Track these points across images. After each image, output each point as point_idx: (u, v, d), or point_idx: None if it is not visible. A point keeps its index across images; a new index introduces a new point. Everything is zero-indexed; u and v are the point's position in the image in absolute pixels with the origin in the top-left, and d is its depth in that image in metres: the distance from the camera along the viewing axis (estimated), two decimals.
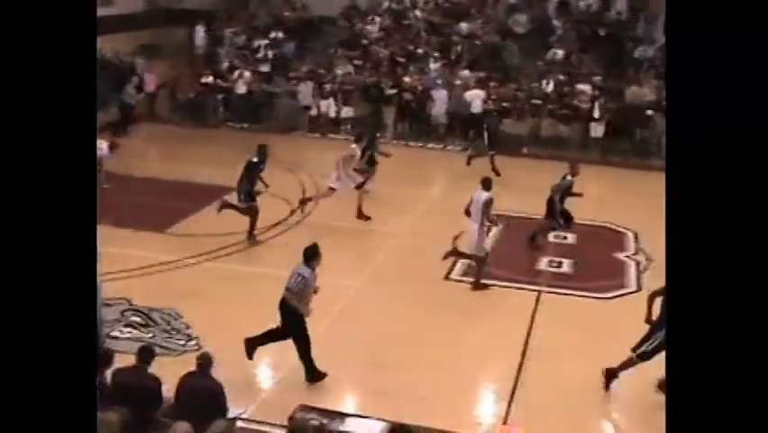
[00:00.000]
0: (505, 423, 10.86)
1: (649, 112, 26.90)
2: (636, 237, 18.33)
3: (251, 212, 16.68)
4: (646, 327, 13.89)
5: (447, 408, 11.08)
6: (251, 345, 11.69)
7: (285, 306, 11.39)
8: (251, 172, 16.73)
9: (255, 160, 16.81)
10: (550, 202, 17.06)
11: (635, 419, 11.47)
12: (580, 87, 27.78)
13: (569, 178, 17.04)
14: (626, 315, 14.58)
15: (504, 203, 19.34)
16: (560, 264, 16.69)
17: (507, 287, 15.40)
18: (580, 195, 17.16)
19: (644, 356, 11.46)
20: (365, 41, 31.16)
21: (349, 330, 12.86)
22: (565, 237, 18.09)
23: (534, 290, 15.19)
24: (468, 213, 15.27)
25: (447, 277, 15.68)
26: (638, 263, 16.98)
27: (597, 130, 26.61)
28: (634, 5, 31.68)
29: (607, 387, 11.69)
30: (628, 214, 19.65)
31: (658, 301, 11.67)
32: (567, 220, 17.21)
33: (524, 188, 19.74)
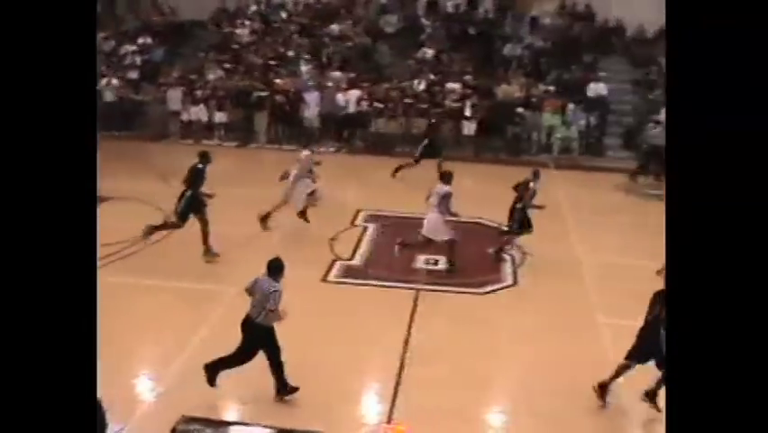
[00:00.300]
0: (389, 423, 10.94)
1: (519, 109, 27.50)
2: None
3: (202, 224, 16.26)
4: (524, 320, 14.28)
5: (331, 410, 11.09)
6: (284, 388, 11.31)
7: (263, 329, 11.14)
8: (198, 179, 16.16)
9: (200, 166, 16.22)
10: (521, 211, 17.05)
11: (518, 414, 11.66)
12: (451, 85, 28.18)
13: (531, 185, 17.03)
14: (503, 309, 14.92)
15: (379, 203, 19.52)
16: (436, 262, 16.85)
17: (385, 286, 15.51)
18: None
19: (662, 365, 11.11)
20: (236, 45, 30.95)
21: (229, 337, 12.71)
22: None
23: (412, 289, 15.33)
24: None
25: (325, 279, 15.71)
26: (513, 258, 17.30)
27: (469, 128, 27.04)
28: (501, 4, 32.22)
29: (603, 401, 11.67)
30: (502, 209, 19.96)
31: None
32: (521, 227, 17.13)
33: (398, 188, 19.91)
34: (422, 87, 28.32)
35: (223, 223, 17.17)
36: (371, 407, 11.57)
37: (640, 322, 14.30)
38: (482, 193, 19.82)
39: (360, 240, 17.96)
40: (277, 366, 11.20)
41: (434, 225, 16.16)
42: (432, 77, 28.73)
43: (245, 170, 19.11)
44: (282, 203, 18.31)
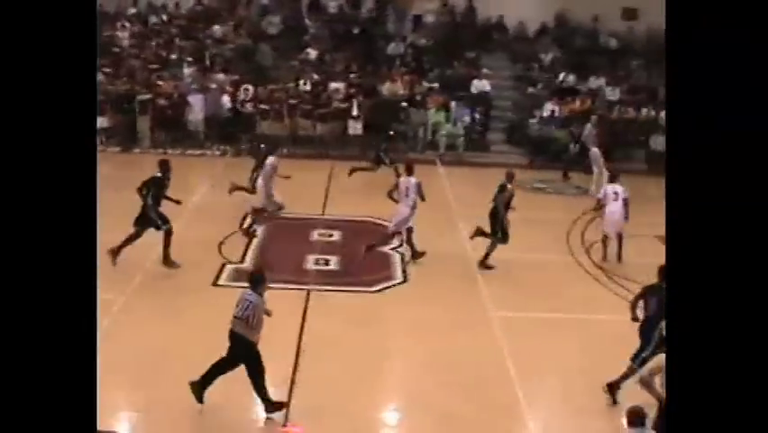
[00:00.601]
0: (285, 425, 10.84)
1: (404, 104, 27.66)
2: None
3: (166, 234, 15.77)
4: (416, 316, 14.33)
5: (227, 414, 10.96)
6: (201, 387, 10.92)
7: (233, 335, 10.83)
8: (158, 189, 15.65)
9: (159, 175, 15.74)
10: (493, 213, 16.83)
11: (412, 411, 11.70)
12: (335, 85, 28.16)
13: (509, 186, 16.98)
14: (395, 306, 14.95)
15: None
16: (327, 262, 16.83)
17: (276, 288, 15.36)
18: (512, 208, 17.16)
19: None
20: (116, 49, 30.30)
21: (114, 347, 12.44)
22: (330, 235, 18.29)
23: (304, 290, 15.24)
24: (390, 196, 17.71)
25: (216, 283, 15.50)
26: (402, 255, 17.36)
27: (355, 127, 27.02)
28: (382, 3, 32.28)
29: (614, 401, 11.50)
30: (390, 207, 20.05)
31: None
32: (505, 234, 16.81)
33: (283, 189, 19.71)
34: (307, 87, 28.24)
35: (109, 230, 16.82)
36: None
37: (532, 314, 14.59)
38: (371, 192, 19.83)
39: (249, 242, 17.77)
40: (258, 382, 10.91)
41: (403, 218, 16.84)
42: (316, 77, 28.67)
43: (128, 176, 18.62)
44: (262, 209, 18.58)
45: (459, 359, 12.77)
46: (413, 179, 16.93)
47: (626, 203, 17.30)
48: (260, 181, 18.45)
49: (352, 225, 18.81)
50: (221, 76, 28.40)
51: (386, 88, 28.46)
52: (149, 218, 15.64)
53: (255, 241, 17.91)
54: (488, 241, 16.79)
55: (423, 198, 16.88)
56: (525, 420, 11.44)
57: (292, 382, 11.87)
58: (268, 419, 10.90)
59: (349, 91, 27.96)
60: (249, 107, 27.49)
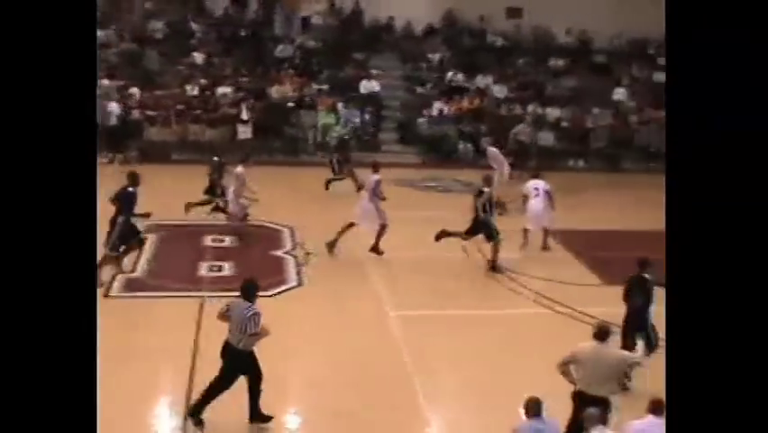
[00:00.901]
0: None
1: (291, 104, 27.58)
2: (293, 233, 18.62)
3: (138, 245, 15.89)
4: (313, 319, 14.27)
5: (122, 428, 10.72)
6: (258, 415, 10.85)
7: (231, 350, 10.69)
8: (131, 203, 15.16)
9: (131, 189, 15.25)
10: (476, 220, 16.83)
11: (315, 413, 11.71)
12: (223, 89, 27.88)
13: (486, 189, 16.91)
14: (291, 309, 14.83)
15: (158, 212, 19.00)
16: (220, 268, 16.62)
17: (169, 297, 15.14)
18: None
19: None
20: None
21: None
22: (222, 240, 18.08)
23: (198, 297, 14.99)
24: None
25: (107, 295, 15.14)
26: (296, 258, 17.26)
27: (245, 132, 26.73)
28: (266, 4, 32.07)
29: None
30: (283, 210, 19.95)
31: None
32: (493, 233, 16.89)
33: (174, 196, 19.43)
34: (194, 92, 27.87)
35: None
36: (164, 422, 11.24)
37: (428, 312, 14.63)
38: (263, 196, 19.59)
39: (140, 251, 17.40)
40: (257, 392, 10.82)
41: (364, 212, 17.14)
42: (203, 81, 28.33)
43: None
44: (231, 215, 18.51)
45: (358, 360, 12.75)
46: (374, 177, 17.31)
47: (549, 196, 17.91)
48: (230, 195, 18.30)
49: (245, 230, 18.61)
50: (106, 81, 27.82)
51: (275, 91, 28.32)
52: (135, 231, 15.55)
53: (146, 249, 17.56)
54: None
55: (381, 197, 17.28)
56: (426, 418, 11.48)
57: (190, 388, 11.65)
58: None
59: (237, 95, 27.73)
60: (136, 113, 27.01)
